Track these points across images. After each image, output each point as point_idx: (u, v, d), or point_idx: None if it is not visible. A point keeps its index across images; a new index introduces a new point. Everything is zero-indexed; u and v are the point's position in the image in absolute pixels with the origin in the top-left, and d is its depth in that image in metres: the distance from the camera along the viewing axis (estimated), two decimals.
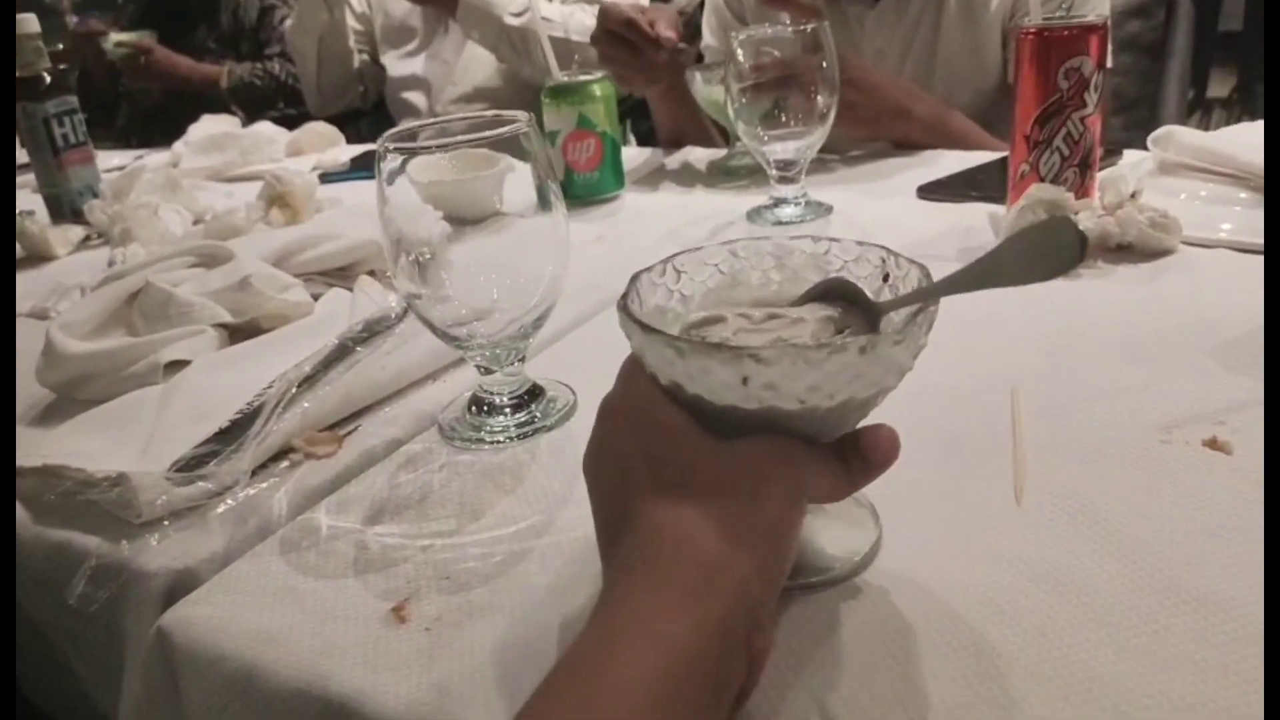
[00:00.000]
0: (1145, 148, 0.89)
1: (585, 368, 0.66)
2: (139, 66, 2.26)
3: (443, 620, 0.43)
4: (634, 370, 0.40)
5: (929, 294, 0.38)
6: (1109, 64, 1.15)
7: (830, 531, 0.44)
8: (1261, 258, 0.71)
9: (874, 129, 1.12)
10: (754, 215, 0.96)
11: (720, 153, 1.23)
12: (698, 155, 1.25)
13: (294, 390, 0.61)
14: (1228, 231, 0.75)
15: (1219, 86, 2.36)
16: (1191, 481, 0.46)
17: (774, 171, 0.94)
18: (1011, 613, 0.39)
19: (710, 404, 0.36)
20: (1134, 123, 1.32)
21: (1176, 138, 0.84)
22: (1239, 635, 0.36)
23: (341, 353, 0.66)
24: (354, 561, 0.48)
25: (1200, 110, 2.21)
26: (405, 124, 0.59)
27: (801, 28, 0.91)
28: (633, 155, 1.29)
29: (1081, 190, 0.78)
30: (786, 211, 0.94)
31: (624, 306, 0.39)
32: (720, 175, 1.16)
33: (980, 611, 0.39)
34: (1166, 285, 0.70)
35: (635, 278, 0.42)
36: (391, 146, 0.54)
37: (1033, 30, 0.76)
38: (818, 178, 1.06)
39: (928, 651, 0.37)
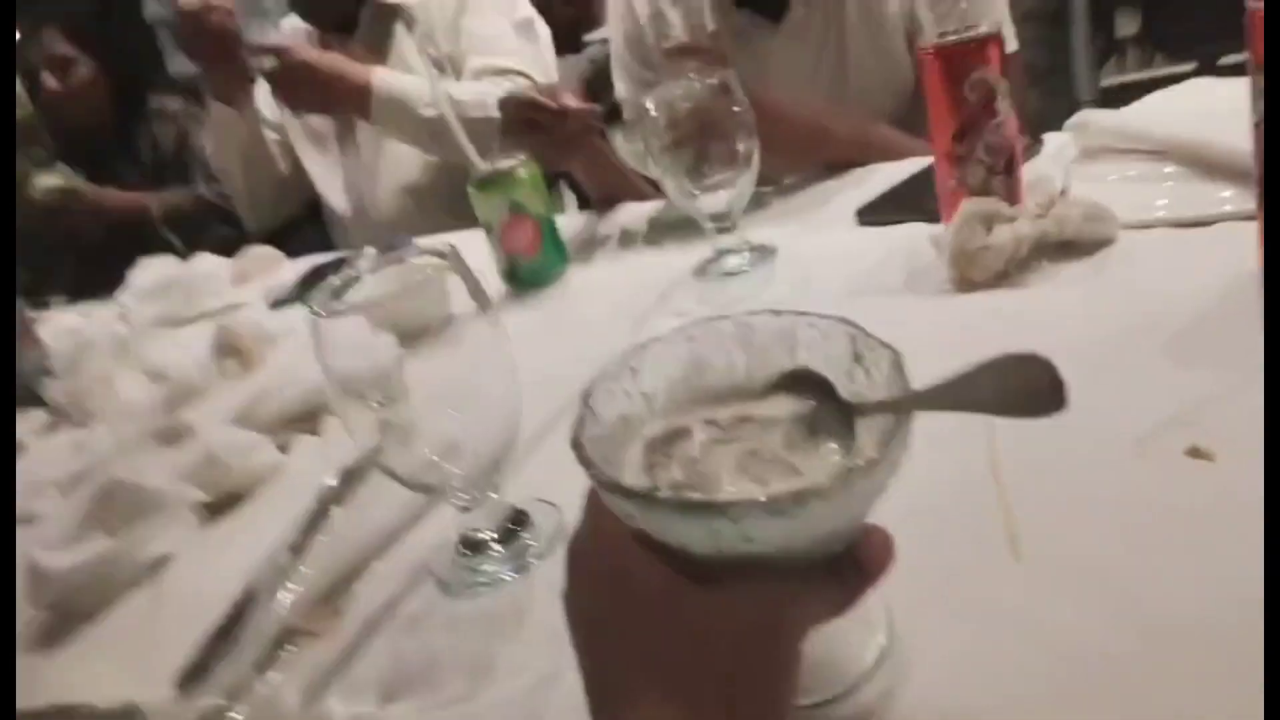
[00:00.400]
0: (1065, 118, 0.89)
1: (564, 478, 0.64)
2: (72, 208, 2.23)
3: None
4: (599, 506, 0.37)
5: (903, 406, 0.35)
6: (1013, 45, 1.17)
7: (836, 638, 0.42)
8: (1201, 231, 0.72)
9: (796, 158, 1.13)
10: (700, 271, 0.97)
11: (656, 205, 1.23)
12: (636, 213, 1.26)
13: (282, 566, 0.61)
14: (1163, 208, 0.76)
15: (1127, 24, 2.39)
16: (1178, 498, 0.46)
17: (710, 224, 0.95)
18: (1030, 692, 0.39)
19: (686, 551, 0.34)
20: (1050, 91, 1.34)
21: (1094, 122, 0.85)
22: (1255, 672, 0.36)
23: (321, 514, 0.65)
24: None
25: (1115, 54, 2.25)
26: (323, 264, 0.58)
27: (710, 81, 0.91)
28: (570, 222, 1.30)
29: (1011, 196, 0.78)
30: (731, 262, 0.95)
31: (576, 443, 0.36)
32: (662, 229, 1.16)
33: (996, 701, 0.39)
34: (1113, 277, 0.70)
35: (586, 396, 0.38)
36: (321, 312, 0.54)
37: (930, 50, 0.77)
38: (755, 216, 1.06)
39: None
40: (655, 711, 0.33)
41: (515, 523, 0.61)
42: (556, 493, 0.63)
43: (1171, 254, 0.71)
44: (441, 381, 0.57)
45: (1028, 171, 0.81)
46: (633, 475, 0.38)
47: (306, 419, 0.85)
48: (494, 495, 0.60)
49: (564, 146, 1.14)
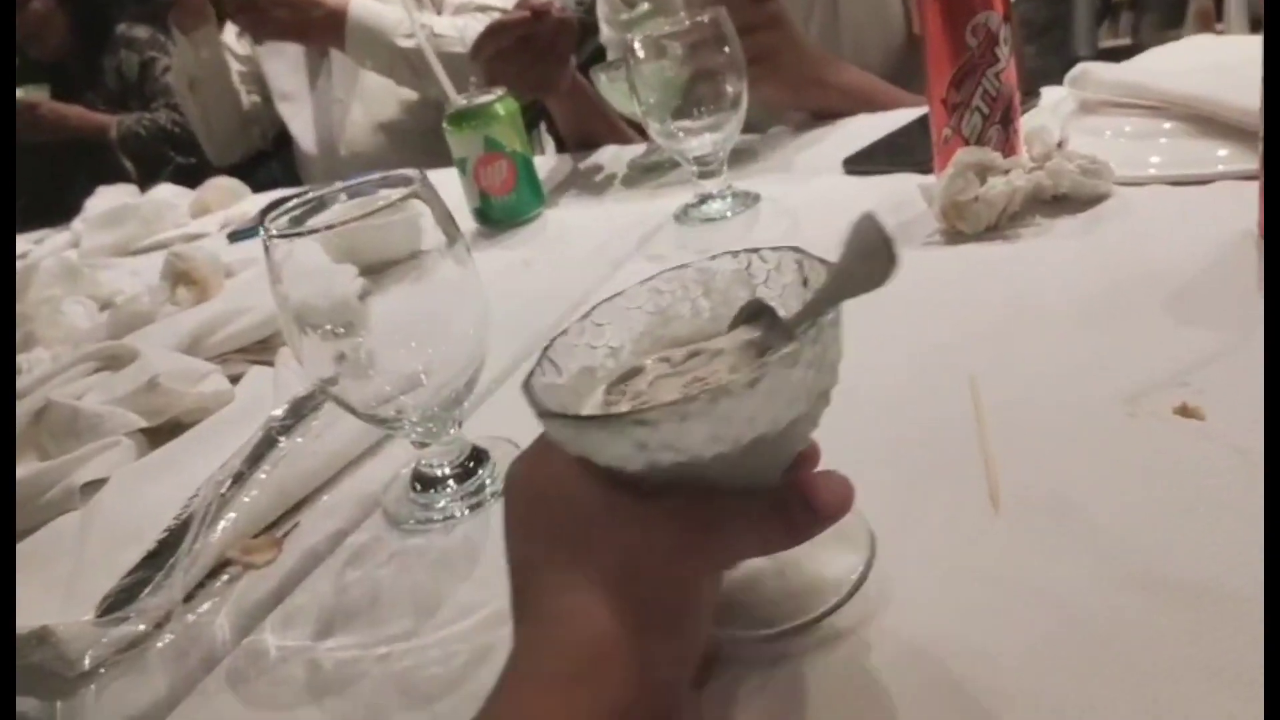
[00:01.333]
0: (1062, 75, 0.87)
1: (529, 417, 0.62)
2: (29, 122, 2.17)
3: None
4: (545, 441, 0.37)
5: (811, 309, 0.35)
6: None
7: (819, 558, 0.42)
8: (1198, 189, 0.70)
9: (795, 90, 1.09)
10: (681, 216, 0.93)
11: (639, 149, 1.19)
12: (615, 155, 1.22)
13: (222, 495, 0.57)
14: (1157, 166, 0.74)
15: None
16: (1165, 457, 0.44)
17: (694, 168, 0.91)
18: (1005, 640, 0.37)
19: (628, 472, 0.34)
20: (1047, 48, 1.30)
21: (1093, 75, 0.82)
22: (1237, 631, 0.34)
23: (268, 445, 0.62)
24: (307, 686, 0.45)
25: (1108, 19, 2.21)
26: (287, 196, 0.55)
27: (700, 19, 0.87)
28: (548, 165, 1.25)
29: (1007, 147, 0.76)
30: (714, 207, 0.91)
31: (527, 385, 0.36)
32: (641, 173, 1.12)
33: (970, 646, 0.37)
34: (1107, 233, 0.68)
35: (547, 348, 0.38)
36: (276, 233, 0.51)
37: None
38: (741, 165, 1.03)
39: (917, 693, 0.35)
40: (576, 599, 0.31)
41: (474, 460, 0.58)
42: (519, 432, 0.60)
43: (1167, 211, 0.68)
44: (405, 314, 0.55)
45: (1024, 123, 0.78)
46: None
47: (260, 350, 0.81)
48: (453, 431, 0.56)
49: (543, 61, 1.09)
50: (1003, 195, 0.70)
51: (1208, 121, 0.74)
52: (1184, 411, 0.47)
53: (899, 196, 0.81)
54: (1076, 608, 0.37)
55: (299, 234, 0.51)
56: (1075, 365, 0.53)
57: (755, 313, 0.39)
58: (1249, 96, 0.59)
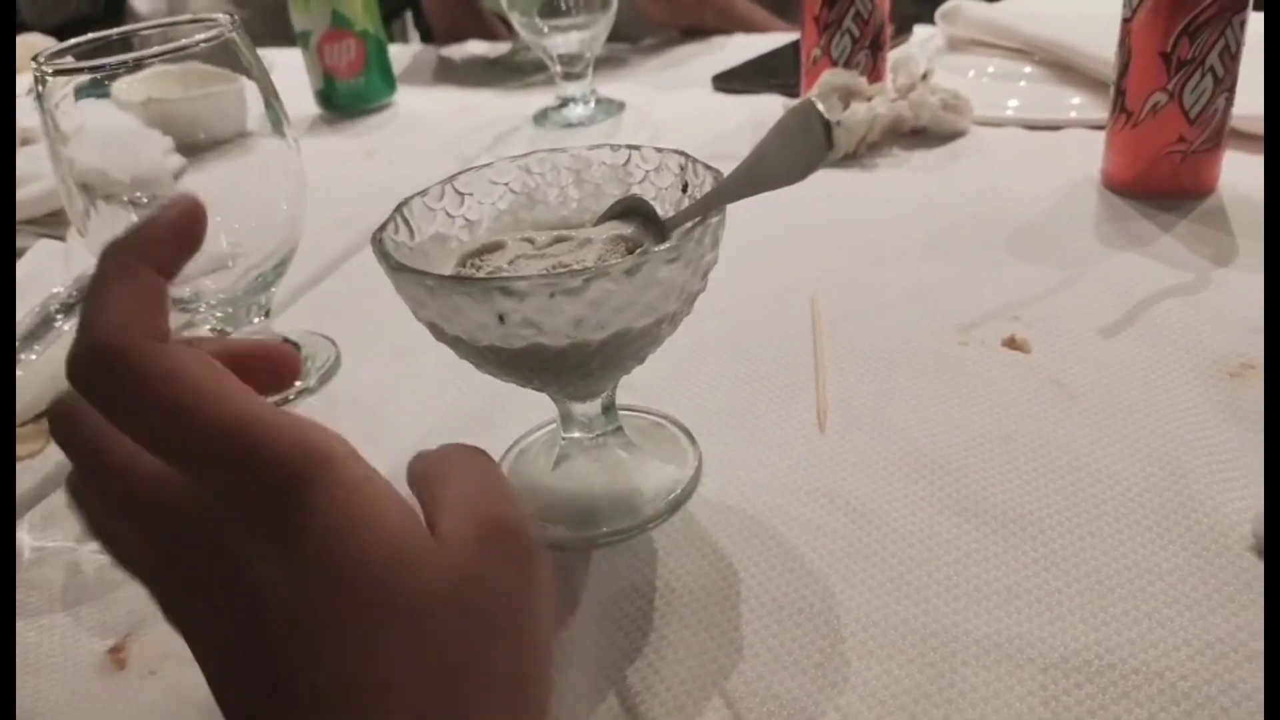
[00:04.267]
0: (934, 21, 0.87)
1: (350, 314, 0.58)
2: None
3: (172, 659, 0.35)
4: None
5: (705, 205, 0.34)
6: None
7: (648, 467, 0.41)
8: (1050, 134, 0.71)
9: (672, 6, 1.05)
10: (541, 119, 0.88)
11: (503, 47, 1.12)
12: (477, 51, 1.14)
13: None
14: (1014, 109, 0.74)
15: None
16: (990, 386, 0.44)
17: (558, 68, 0.86)
18: (821, 552, 0.36)
19: (471, 345, 0.32)
20: None
21: (964, 12, 0.82)
22: (1041, 558, 0.35)
23: (45, 324, 0.54)
24: (64, 592, 0.40)
25: None
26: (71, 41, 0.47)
27: None
28: (404, 54, 1.17)
29: (874, 73, 0.74)
30: (575, 112, 0.87)
31: (378, 239, 0.34)
32: (503, 72, 1.06)
33: (789, 554, 0.36)
34: (961, 170, 0.68)
35: (402, 205, 0.36)
36: (51, 70, 0.44)
37: None
38: (607, 72, 0.98)
39: (738, 602, 0.34)
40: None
41: None
42: (336, 329, 0.55)
43: (1020, 153, 0.69)
44: (216, 190, 0.48)
45: (892, 54, 0.77)
46: None
47: (51, 222, 0.72)
48: (258, 320, 0.51)
49: None
50: (863, 123, 0.69)
51: (1065, 69, 0.75)
52: (1011, 344, 0.47)
53: (764, 114, 0.79)
54: (890, 526, 0.37)
55: (93, 95, 0.45)
56: (915, 293, 0.53)
57: (629, 209, 0.37)
58: (1106, 47, 0.59)
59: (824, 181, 0.69)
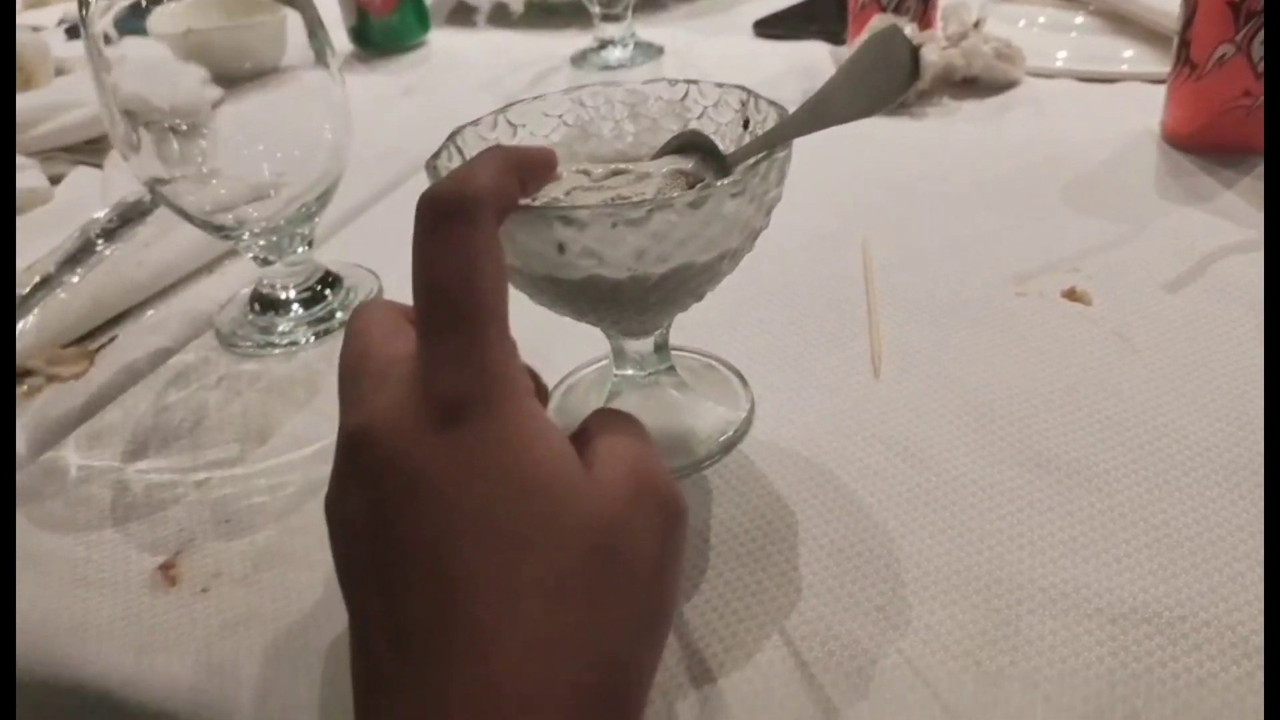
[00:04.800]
0: None
1: (391, 246, 0.56)
2: None
3: (223, 577, 0.35)
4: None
5: (772, 139, 0.33)
6: None
7: (700, 407, 0.40)
8: (1105, 86, 0.69)
9: None
10: (579, 60, 0.86)
11: None
12: None
13: (26, 298, 0.50)
14: (1064, 60, 0.72)
15: None
16: (1050, 337, 0.43)
17: (597, 9, 0.84)
18: (879, 496, 0.35)
19: (528, 276, 0.31)
20: None
21: None
22: (1107, 509, 0.34)
23: (85, 248, 0.54)
24: (111, 510, 0.39)
25: None
26: None
27: None
28: None
29: (924, 20, 0.72)
30: (614, 55, 0.85)
31: (433, 166, 0.33)
32: (539, 14, 1.04)
33: (846, 497, 0.35)
34: (1013, 121, 0.66)
35: (455, 133, 0.36)
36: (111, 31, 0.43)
37: None
38: (647, 15, 0.96)
39: (796, 543, 0.33)
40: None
41: (325, 285, 0.52)
42: (383, 262, 0.55)
43: (1075, 105, 0.67)
44: (258, 119, 0.48)
45: (944, 1, 0.75)
46: None
47: (90, 150, 0.71)
48: (302, 250, 0.50)
49: None
50: None
51: (1119, 20, 0.73)
52: (1071, 295, 0.46)
53: (808, 62, 0.77)
54: (949, 473, 0.36)
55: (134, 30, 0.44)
56: (970, 242, 0.52)
57: (688, 144, 0.36)
58: None
59: (873, 129, 0.67)
